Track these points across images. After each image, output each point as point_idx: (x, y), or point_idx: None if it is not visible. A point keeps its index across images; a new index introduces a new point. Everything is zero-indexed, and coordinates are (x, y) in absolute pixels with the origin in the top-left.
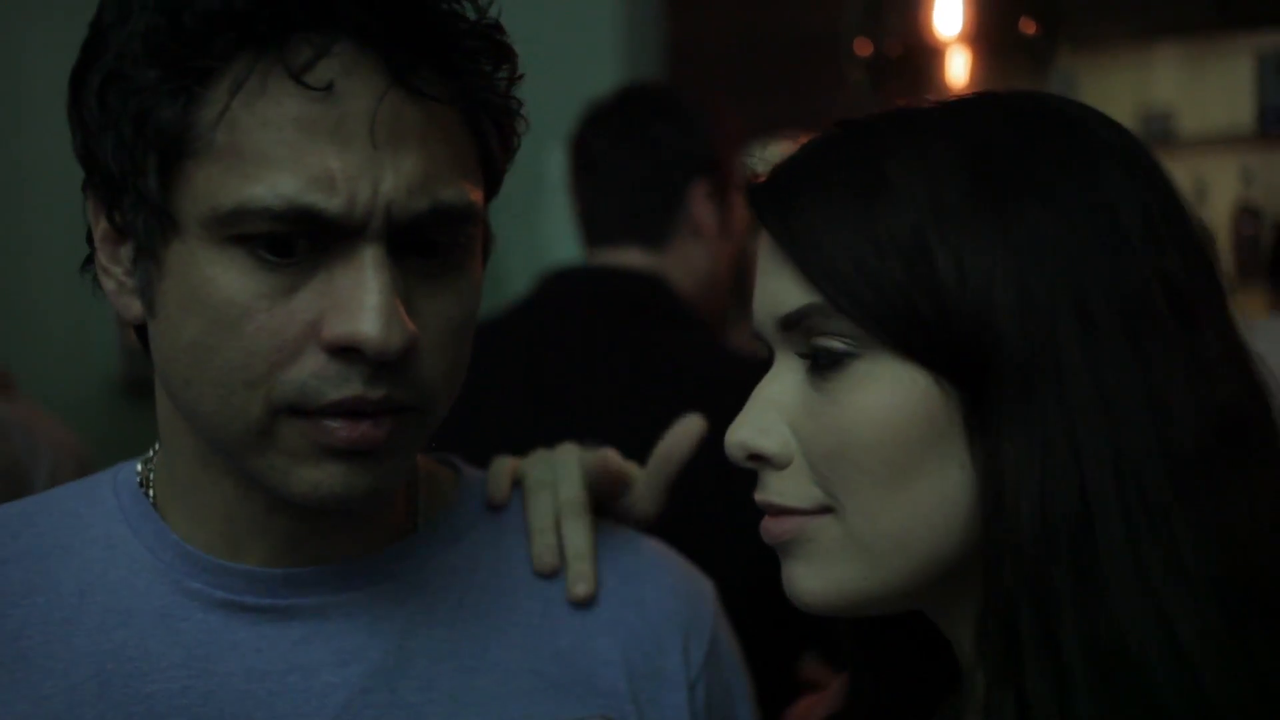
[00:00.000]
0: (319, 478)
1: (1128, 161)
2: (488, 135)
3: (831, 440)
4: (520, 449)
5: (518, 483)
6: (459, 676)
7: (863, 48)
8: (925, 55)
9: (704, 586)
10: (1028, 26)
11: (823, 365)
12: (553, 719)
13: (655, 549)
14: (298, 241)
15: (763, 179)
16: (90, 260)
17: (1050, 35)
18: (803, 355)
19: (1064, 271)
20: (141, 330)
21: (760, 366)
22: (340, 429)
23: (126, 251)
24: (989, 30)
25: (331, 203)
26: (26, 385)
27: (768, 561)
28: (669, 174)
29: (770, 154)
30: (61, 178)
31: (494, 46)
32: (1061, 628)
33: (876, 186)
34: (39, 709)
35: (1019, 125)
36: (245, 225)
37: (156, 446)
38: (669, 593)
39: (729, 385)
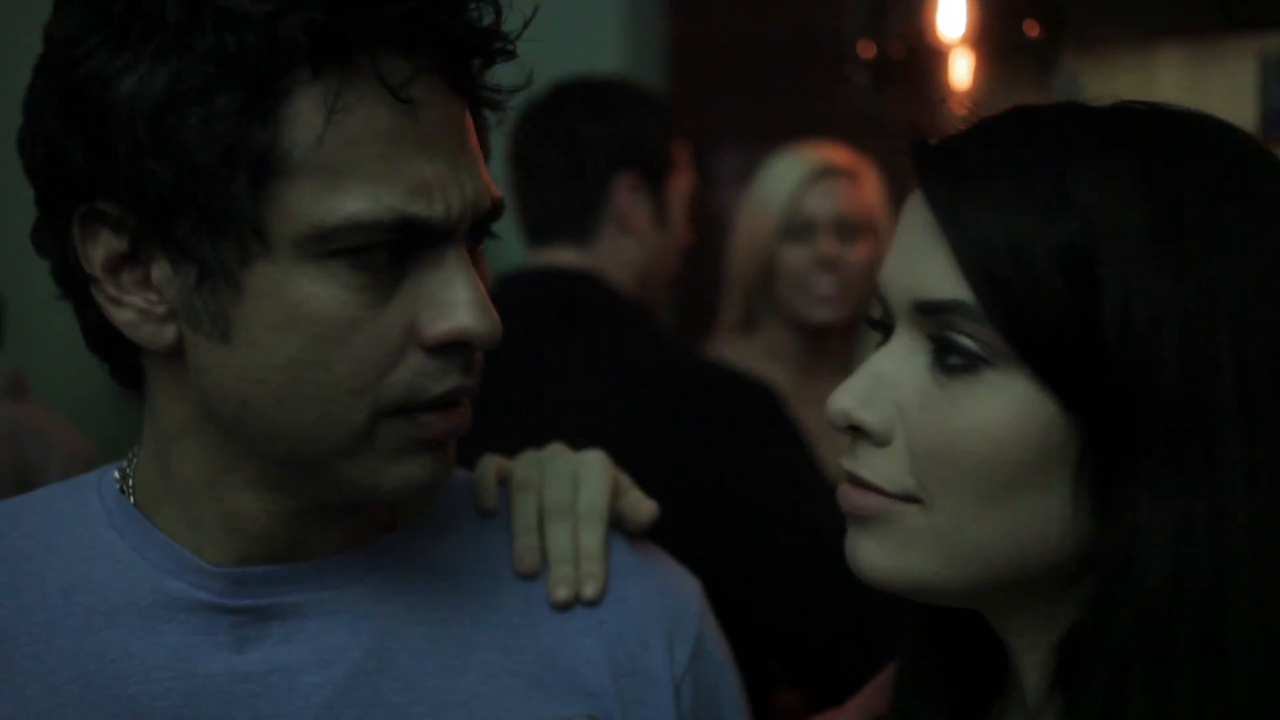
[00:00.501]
0: (409, 471)
1: None
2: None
3: (941, 441)
4: (468, 451)
5: (503, 482)
6: (441, 676)
7: (866, 49)
8: (928, 57)
9: (689, 586)
10: (1031, 29)
11: (951, 364)
12: (537, 719)
13: (639, 548)
14: (392, 249)
15: (932, 145)
16: (71, 291)
17: (1054, 37)
18: (930, 339)
19: (1232, 336)
20: (124, 356)
21: (697, 362)
22: (438, 421)
23: (163, 277)
24: (992, 32)
25: (433, 210)
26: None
27: (728, 570)
28: (589, 168)
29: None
30: None
31: (504, 53)
32: (1175, 694)
33: (1055, 197)
34: (22, 709)
35: (1207, 166)
36: (349, 239)
37: (134, 452)
38: (653, 591)
39: (664, 381)
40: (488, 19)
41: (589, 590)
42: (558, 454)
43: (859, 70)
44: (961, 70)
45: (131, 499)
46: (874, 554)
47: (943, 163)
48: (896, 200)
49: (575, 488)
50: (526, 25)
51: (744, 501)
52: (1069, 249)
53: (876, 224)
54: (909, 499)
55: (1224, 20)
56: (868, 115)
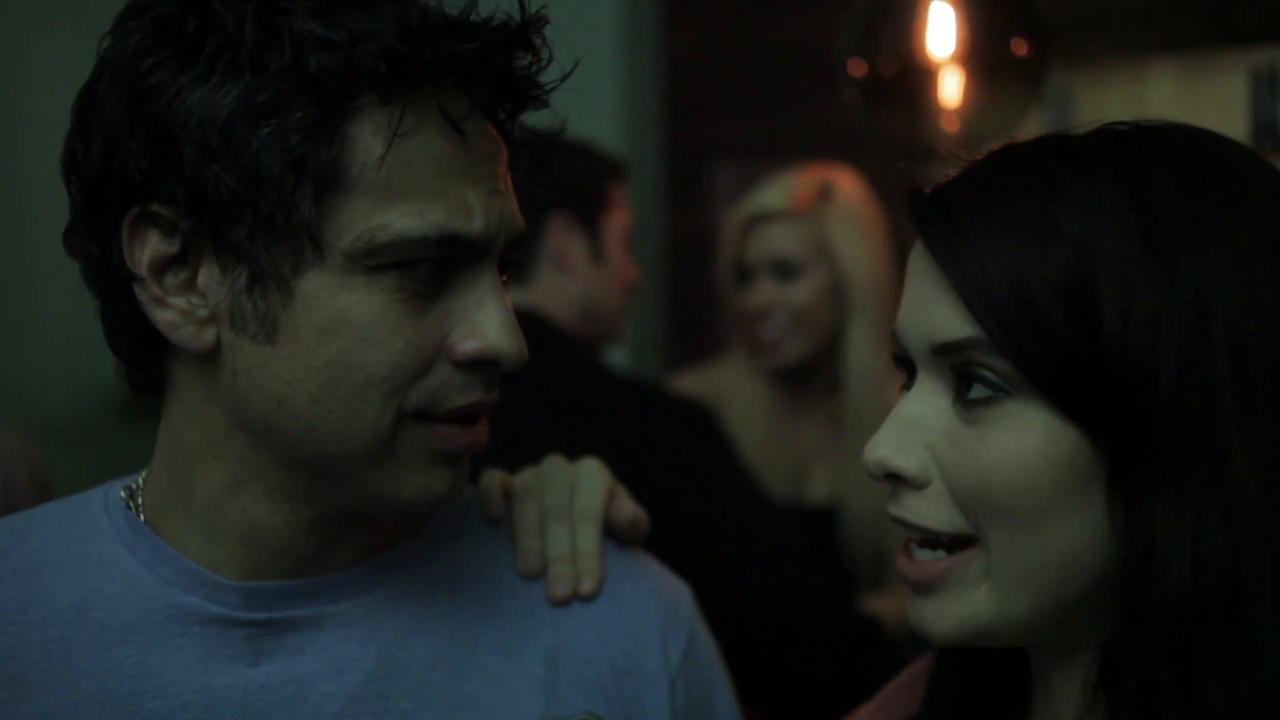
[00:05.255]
0: (428, 482)
1: None
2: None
3: (975, 476)
4: None
5: (505, 494)
6: (449, 683)
7: (857, 68)
8: (919, 76)
9: (680, 588)
10: (1019, 47)
11: (972, 399)
12: (543, 719)
13: (631, 552)
14: (434, 265)
15: (926, 195)
16: (106, 292)
17: (1042, 56)
18: (950, 381)
19: (1227, 337)
20: (150, 361)
21: (632, 384)
22: (459, 435)
23: (210, 280)
24: (981, 51)
25: (473, 226)
26: (25, 406)
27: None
28: (524, 210)
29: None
30: (61, 195)
31: (541, 101)
32: (1207, 688)
33: (1046, 229)
34: None
35: (1185, 172)
36: (398, 254)
37: (146, 471)
38: (646, 593)
39: (600, 402)
40: (529, 66)
41: (586, 585)
42: (556, 464)
43: (850, 89)
44: (951, 88)
45: (141, 516)
46: (937, 616)
47: (937, 212)
48: (890, 214)
49: (572, 492)
50: (543, 63)
51: (684, 511)
52: (1065, 278)
53: (833, 255)
54: (964, 540)
55: (1215, 34)
56: (862, 131)
